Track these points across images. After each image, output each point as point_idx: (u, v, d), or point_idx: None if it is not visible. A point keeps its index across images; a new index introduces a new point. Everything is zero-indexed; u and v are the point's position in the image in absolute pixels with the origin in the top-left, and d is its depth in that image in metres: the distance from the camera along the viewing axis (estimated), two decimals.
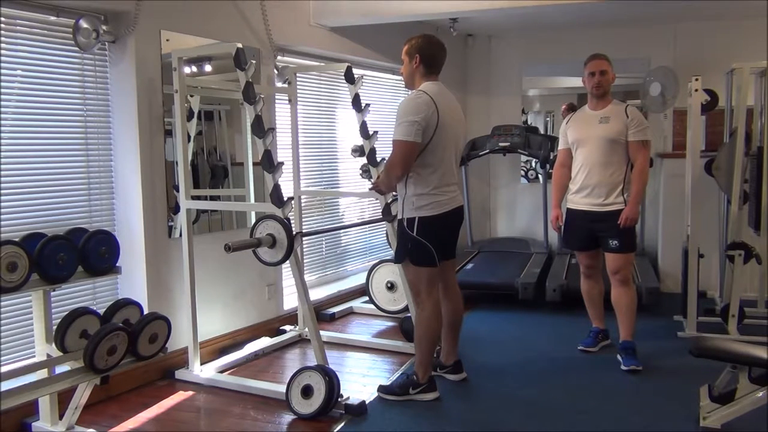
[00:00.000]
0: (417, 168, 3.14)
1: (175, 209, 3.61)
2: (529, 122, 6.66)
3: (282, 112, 4.44)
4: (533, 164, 6.59)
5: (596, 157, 3.75)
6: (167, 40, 3.57)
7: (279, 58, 4.41)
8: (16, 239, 2.73)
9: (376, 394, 3.35)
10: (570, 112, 6.57)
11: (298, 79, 4.46)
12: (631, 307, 3.80)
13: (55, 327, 2.85)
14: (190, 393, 3.45)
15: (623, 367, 3.68)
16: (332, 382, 3.09)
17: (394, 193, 3.41)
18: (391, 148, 3.13)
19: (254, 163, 4.12)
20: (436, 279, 3.30)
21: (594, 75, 3.76)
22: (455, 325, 3.52)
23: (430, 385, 3.32)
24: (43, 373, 2.76)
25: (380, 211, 4.04)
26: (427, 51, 3.22)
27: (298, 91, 4.44)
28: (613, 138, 3.70)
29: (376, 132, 4.05)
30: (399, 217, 3.28)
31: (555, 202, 4.03)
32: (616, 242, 3.73)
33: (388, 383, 3.44)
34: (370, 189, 3.66)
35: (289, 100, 4.30)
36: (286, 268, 4.30)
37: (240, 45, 3.19)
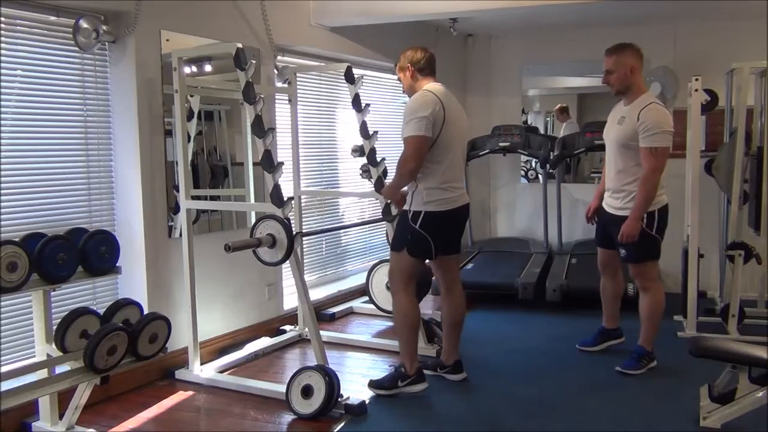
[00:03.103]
0: (426, 163, 3.20)
1: (175, 209, 3.61)
2: (529, 122, 6.66)
3: (282, 112, 4.43)
4: (533, 164, 6.58)
5: (611, 161, 3.61)
6: (167, 40, 3.57)
7: (279, 58, 4.41)
8: (16, 239, 2.74)
9: (374, 393, 3.35)
10: (563, 114, 6.63)
11: (298, 79, 4.45)
12: (649, 315, 3.66)
13: (55, 327, 2.85)
14: (190, 393, 3.45)
15: (616, 367, 3.65)
16: (332, 382, 3.09)
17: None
18: (403, 147, 3.18)
19: (254, 163, 4.12)
20: (415, 273, 3.36)
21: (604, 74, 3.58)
22: (457, 324, 3.53)
23: (418, 377, 3.35)
24: (43, 373, 2.75)
25: (380, 211, 4.04)
26: (414, 58, 3.34)
27: (298, 91, 4.44)
28: (624, 143, 3.49)
29: (376, 132, 4.05)
30: (406, 208, 3.31)
31: (595, 194, 3.91)
32: (624, 251, 3.59)
33: (378, 378, 3.45)
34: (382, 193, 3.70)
35: (289, 100, 4.29)
36: (286, 268, 4.30)
37: (240, 45, 3.19)
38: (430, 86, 3.28)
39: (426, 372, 3.60)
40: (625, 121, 3.50)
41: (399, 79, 3.45)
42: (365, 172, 4.21)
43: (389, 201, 3.72)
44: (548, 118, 6.79)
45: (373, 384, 3.38)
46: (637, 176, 3.47)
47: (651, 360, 3.69)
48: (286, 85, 4.32)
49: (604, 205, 3.77)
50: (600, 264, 3.94)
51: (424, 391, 3.33)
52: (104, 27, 3.32)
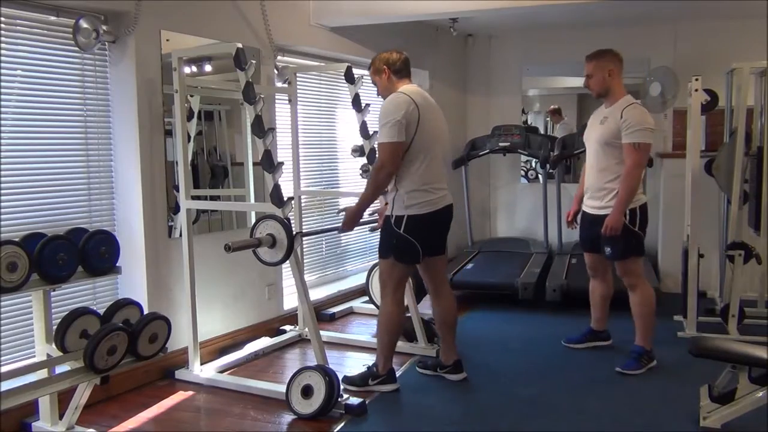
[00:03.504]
0: (406, 165, 3.21)
1: (175, 209, 3.61)
2: (529, 122, 6.67)
3: (282, 112, 4.43)
4: (533, 164, 6.59)
5: (593, 160, 3.71)
6: (167, 40, 3.57)
7: (279, 58, 4.41)
8: (16, 239, 2.73)
9: (376, 395, 3.35)
10: (556, 115, 6.70)
11: (298, 79, 4.45)
12: (640, 312, 3.70)
13: (55, 327, 2.85)
14: (190, 393, 3.45)
15: (616, 368, 3.67)
16: (332, 382, 3.09)
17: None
18: (378, 152, 3.21)
19: (254, 163, 4.12)
20: (406, 278, 3.38)
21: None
22: (450, 324, 3.54)
23: (389, 377, 3.40)
24: (43, 373, 2.75)
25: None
26: (390, 59, 3.34)
27: (298, 91, 4.44)
28: (606, 141, 3.59)
29: (376, 132, 4.04)
30: (388, 213, 3.32)
31: (575, 198, 4.01)
32: (608, 249, 3.65)
33: (352, 374, 3.47)
34: (340, 232, 3.67)
35: (289, 100, 4.29)
36: (286, 268, 4.30)
37: (240, 45, 3.19)
38: (404, 88, 3.29)
39: (425, 372, 3.62)
40: (607, 120, 3.62)
41: (374, 83, 3.44)
42: (365, 172, 4.21)
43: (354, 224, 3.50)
44: (548, 118, 6.80)
45: (345, 379, 3.41)
46: (619, 174, 3.55)
47: (651, 360, 3.70)
48: (286, 85, 4.32)
49: (585, 208, 3.83)
50: (589, 268, 3.99)
51: (394, 391, 3.37)
52: (104, 27, 3.32)
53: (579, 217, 3.91)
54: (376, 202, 3.52)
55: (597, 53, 3.69)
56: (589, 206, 3.77)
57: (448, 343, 3.56)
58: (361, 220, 3.49)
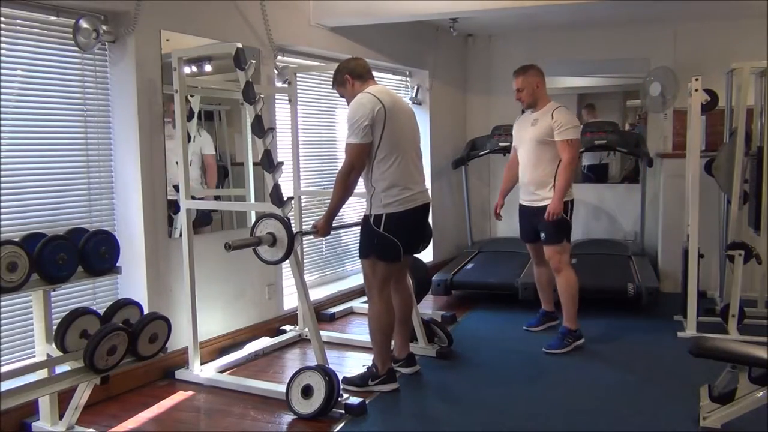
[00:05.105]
0: (379, 164, 3.21)
1: (175, 209, 3.61)
2: None
3: (282, 112, 4.43)
4: None
5: (528, 157, 4.05)
6: (167, 40, 3.57)
7: (279, 58, 4.41)
8: (16, 239, 2.74)
9: (376, 395, 3.35)
10: None
11: (298, 79, 4.45)
12: (566, 293, 4.05)
13: (55, 327, 2.85)
14: (190, 393, 3.45)
15: (543, 348, 4.00)
16: (332, 382, 3.09)
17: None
18: (345, 154, 3.22)
19: (254, 163, 4.12)
20: (391, 276, 3.38)
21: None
22: (406, 320, 3.58)
23: (389, 377, 3.40)
24: (43, 373, 2.75)
25: None
26: (350, 67, 3.38)
27: (298, 91, 4.44)
28: (541, 139, 3.95)
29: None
30: (366, 213, 3.33)
31: (500, 192, 4.46)
32: (543, 234, 4.03)
33: (352, 375, 3.47)
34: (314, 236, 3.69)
35: (289, 100, 4.29)
36: (286, 268, 4.30)
37: (240, 45, 3.19)
38: (370, 88, 3.29)
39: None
40: (539, 122, 3.99)
41: (342, 96, 3.44)
42: None
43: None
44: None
45: (345, 380, 3.40)
46: (553, 167, 3.95)
47: (576, 338, 4.05)
48: (286, 85, 4.32)
49: (523, 203, 4.20)
50: (533, 258, 4.38)
51: (394, 391, 3.37)
52: (104, 27, 3.32)
53: (518, 212, 4.25)
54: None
55: (523, 69, 4.04)
56: (527, 200, 4.13)
57: (402, 338, 3.59)
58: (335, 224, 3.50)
